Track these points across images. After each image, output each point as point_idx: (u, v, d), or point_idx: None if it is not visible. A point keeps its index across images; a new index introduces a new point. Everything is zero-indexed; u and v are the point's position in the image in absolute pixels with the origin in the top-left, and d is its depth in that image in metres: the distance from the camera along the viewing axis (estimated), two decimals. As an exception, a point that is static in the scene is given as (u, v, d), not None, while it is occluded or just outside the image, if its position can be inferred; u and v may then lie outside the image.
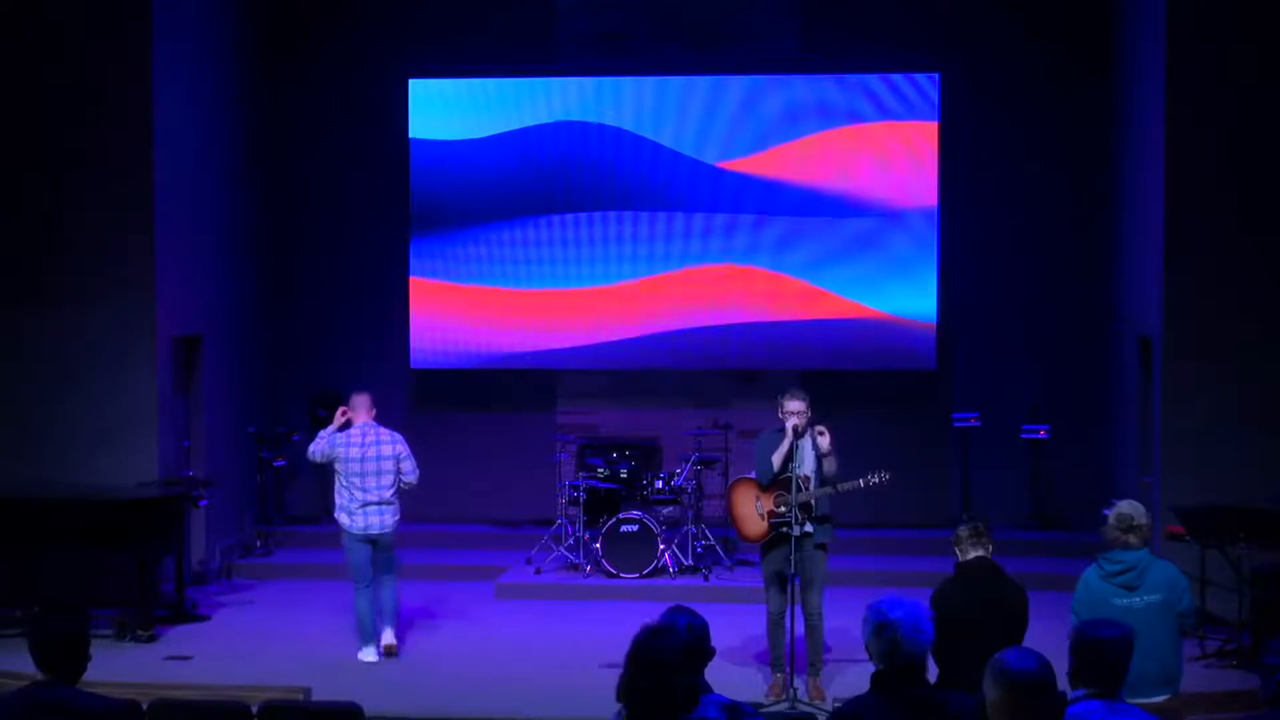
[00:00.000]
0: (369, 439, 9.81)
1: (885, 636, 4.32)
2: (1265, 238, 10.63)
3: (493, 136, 13.43)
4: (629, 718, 3.92)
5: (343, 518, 9.75)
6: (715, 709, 4.17)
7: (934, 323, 13.11)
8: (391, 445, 9.87)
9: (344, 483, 9.73)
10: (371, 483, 9.71)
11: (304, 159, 13.86)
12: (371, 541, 9.74)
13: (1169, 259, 10.70)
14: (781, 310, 13.22)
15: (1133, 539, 6.54)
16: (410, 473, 9.92)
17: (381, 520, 9.74)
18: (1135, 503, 6.73)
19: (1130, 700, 4.90)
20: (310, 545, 13.14)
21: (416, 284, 13.50)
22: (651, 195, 13.31)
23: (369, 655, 9.75)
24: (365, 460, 9.74)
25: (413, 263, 13.51)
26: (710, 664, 4.59)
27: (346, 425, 9.86)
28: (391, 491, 9.80)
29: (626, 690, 3.94)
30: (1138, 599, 6.45)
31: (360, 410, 9.89)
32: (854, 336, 13.18)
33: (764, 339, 13.27)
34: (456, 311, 13.51)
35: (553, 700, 8.54)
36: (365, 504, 9.69)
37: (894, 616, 4.33)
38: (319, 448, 9.85)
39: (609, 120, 13.33)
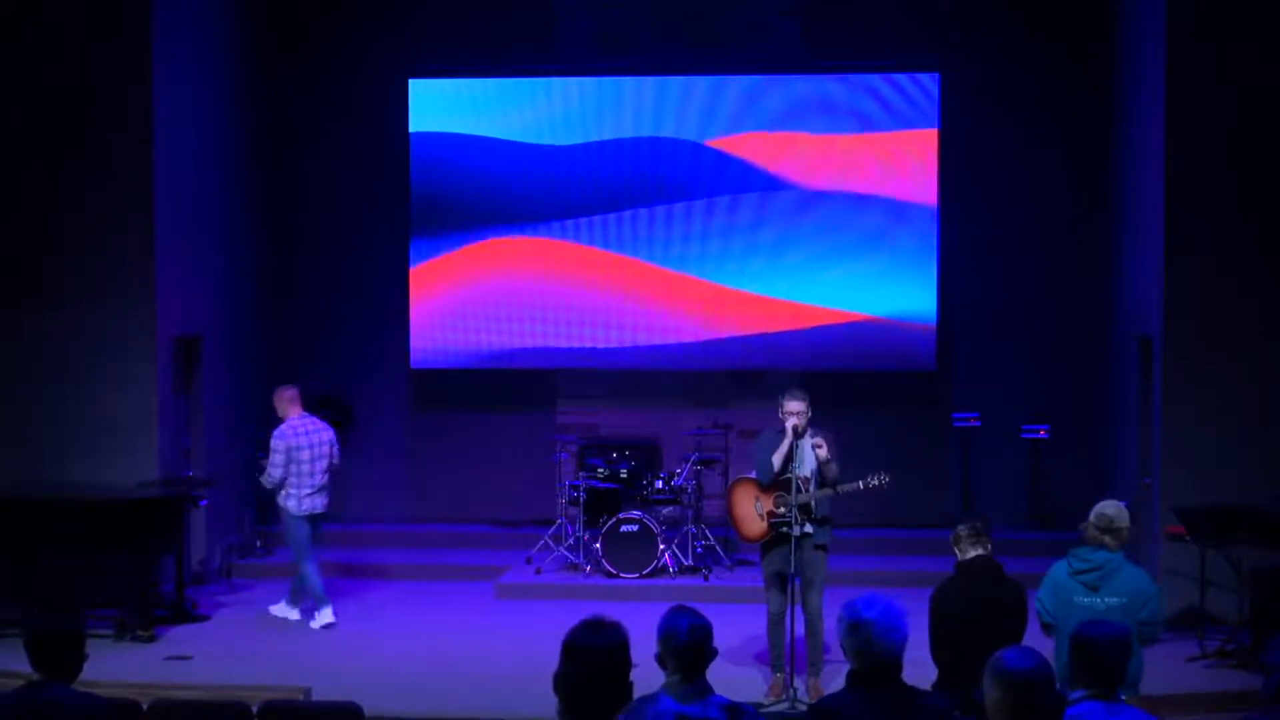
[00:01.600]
0: (310, 428, 10.59)
1: (859, 635, 4.33)
2: (1265, 238, 10.63)
3: (494, 141, 13.42)
4: (565, 712, 3.95)
5: (291, 504, 10.51)
6: (716, 709, 4.16)
7: (934, 323, 13.11)
8: (327, 431, 10.73)
9: (296, 470, 10.46)
10: (319, 467, 10.58)
11: (304, 159, 13.87)
12: (313, 520, 10.60)
13: (1169, 259, 10.69)
14: (782, 321, 13.23)
15: (1109, 540, 6.53)
16: (338, 455, 10.83)
17: (324, 501, 10.68)
18: (1120, 505, 6.71)
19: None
20: (310, 545, 13.16)
21: (416, 311, 13.51)
22: (650, 200, 13.31)
23: (328, 617, 10.61)
24: (313, 448, 10.57)
25: (413, 275, 13.50)
26: (710, 664, 4.60)
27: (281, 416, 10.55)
28: (327, 475, 10.68)
29: (562, 684, 3.98)
30: (1099, 600, 6.45)
31: (296, 404, 10.63)
32: (854, 337, 13.17)
33: (764, 340, 13.27)
34: (456, 297, 13.50)
35: (553, 700, 8.52)
36: (314, 489, 10.55)
37: (868, 616, 4.33)
38: (278, 463, 10.43)
39: (609, 123, 13.33)
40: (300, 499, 10.50)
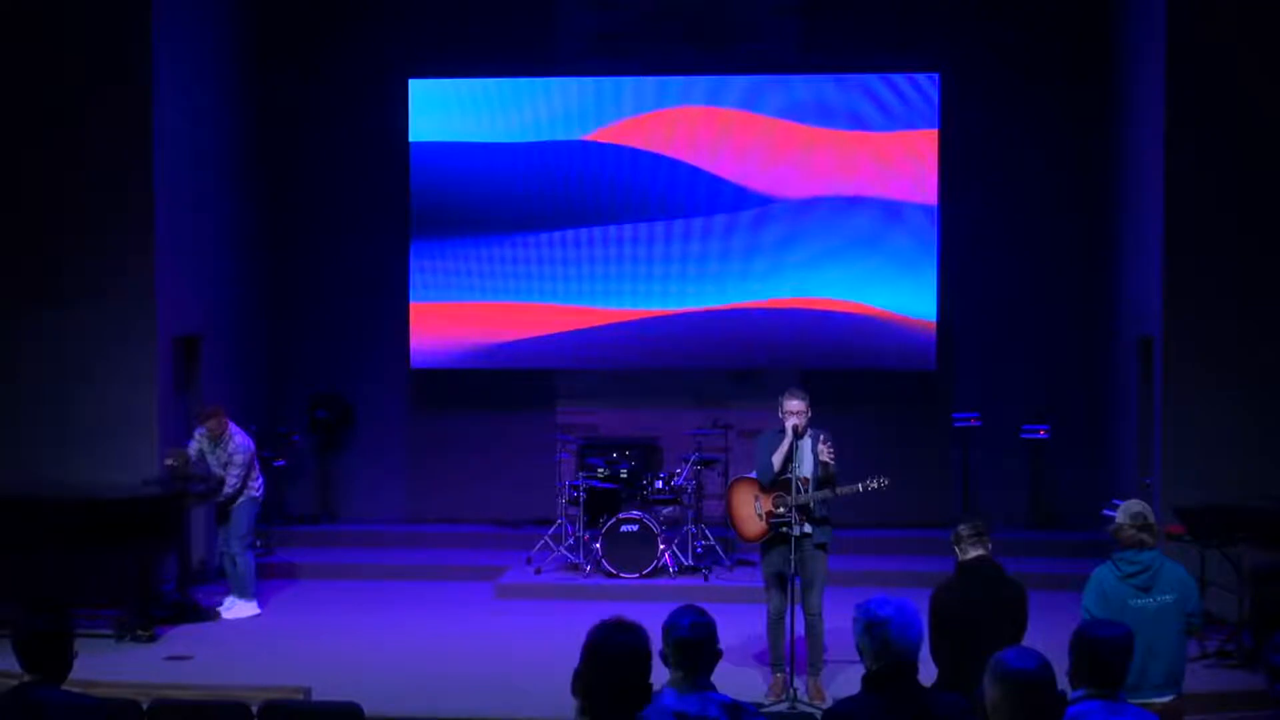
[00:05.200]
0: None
1: (876, 635, 4.31)
2: (1265, 238, 10.64)
3: (494, 144, 13.41)
4: (584, 713, 3.95)
5: (255, 492, 11.07)
6: (716, 707, 4.16)
7: (934, 322, 13.11)
8: None
9: (256, 466, 11.07)
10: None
11: (304, 159, 13.86)
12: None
13: (1169, 259, 10.70)
14: (781, 318, 13.23)
15: (1147, 538, 6.51)
16: None
17: None
18: (1143, 501, 6.71)
19: (1134, 700, 4.90)
20: (310, 545, 13.16)
21: (416, 308, 13.51)
22: (649, 204, 13.31)
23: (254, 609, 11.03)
24: None
25: (413, 272, 13.47)
26: (715, 665, 4.60)
27: (220, 434, 10.88)
28: None
29: (582, 685, 3.97)
30: (1152, 600, 6.42)
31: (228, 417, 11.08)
32: (854, 336, 13.17)
33: (764, 339, 13.27)
34: (456, 329, 13.50)
35: (553, 700, 8.51)
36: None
37: (884, 615, 4.32)
38: (242, 475, 10.87)
39: (608, 121, 13.32)
40: (258, 488, 11.09)
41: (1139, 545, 6.49)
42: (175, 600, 10.86)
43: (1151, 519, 6.56)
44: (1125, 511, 6.58)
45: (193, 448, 10.97)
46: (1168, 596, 6.44)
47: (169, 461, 10.88)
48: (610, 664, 3.92)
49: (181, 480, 10.80)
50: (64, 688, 4.79)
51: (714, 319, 13.30)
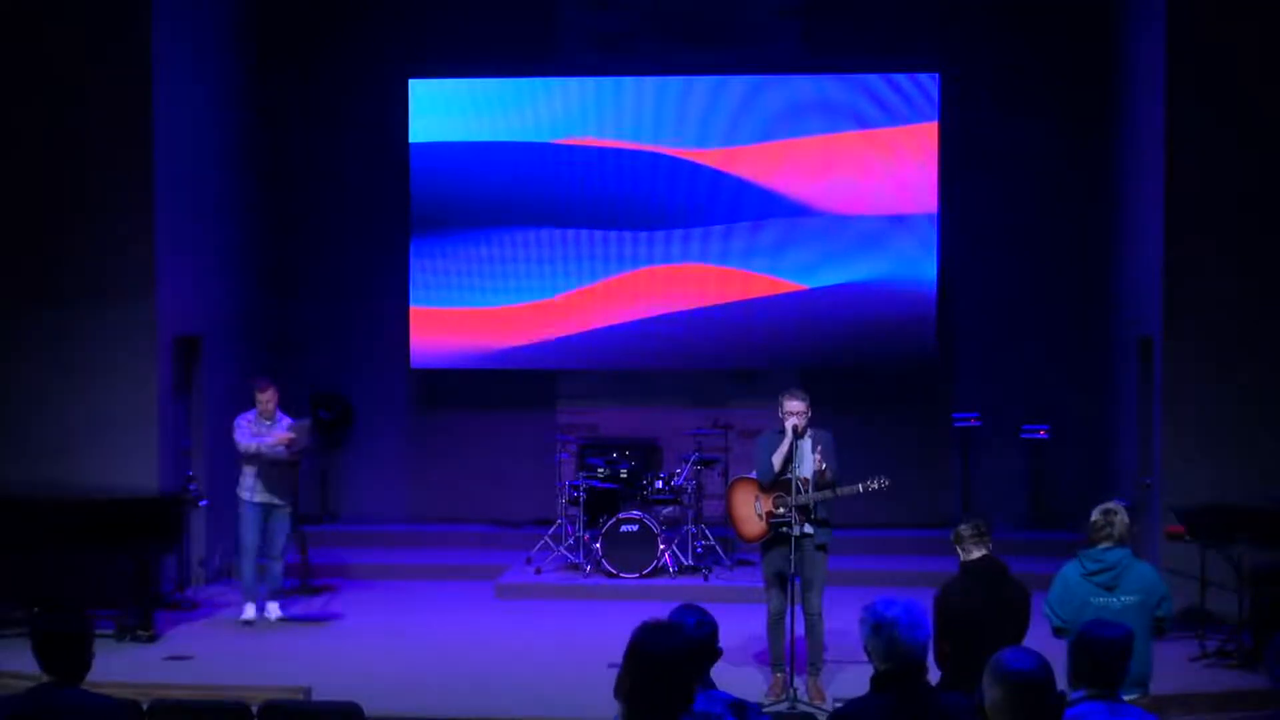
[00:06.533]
0: None
1: (883, 635, 4.30)
2: (1265, 238, 10.63)
3: (494, 144, 13.41)
4: (627, 716, 3.93)
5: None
6: (721, 706, 4.17)
7: (934, 322, 13.10)
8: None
9: None
10: None
11: (304, 160, 13.86)
12: None
13: (1169, 259, 10.69)
14: (780, 307, 13.23)
15: (1116, 531, 6.54)
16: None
17: None
18: (1118, 502, 6.75)
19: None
20: (310, 545, 13.10)
21: (416, 308, 13.51)
22: (651, 206, 13.30)
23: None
24: None
25: (413, 272, 13.47)
26: (715, 663, 4.60)
27: (273, 408, 10.87)
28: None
29: (625, 688, 3.94)
30: (1115, 599, 6.45)
31: None
32: (854, 336, 13.15)
33: (764, 337, 13.26)
34: (456, 329, 13.50)
35: (553, 700, 8.54)
36: None
37: (891, 615, 4.31)
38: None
39: (608, 121, 13.32)
40: None
41: (1106, 541, 6.52)
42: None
43: (1120, 516, 6.57)
44: (1099, 508, 6.63)
45: (250, 425, 10.91)
46: (1131, 598, 6.45)
47: (292, 435, 10.81)
48: (650, 666, 3.90)
49: (300, 449, 10.93)
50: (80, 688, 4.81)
51: (714, 319, 13.30)
